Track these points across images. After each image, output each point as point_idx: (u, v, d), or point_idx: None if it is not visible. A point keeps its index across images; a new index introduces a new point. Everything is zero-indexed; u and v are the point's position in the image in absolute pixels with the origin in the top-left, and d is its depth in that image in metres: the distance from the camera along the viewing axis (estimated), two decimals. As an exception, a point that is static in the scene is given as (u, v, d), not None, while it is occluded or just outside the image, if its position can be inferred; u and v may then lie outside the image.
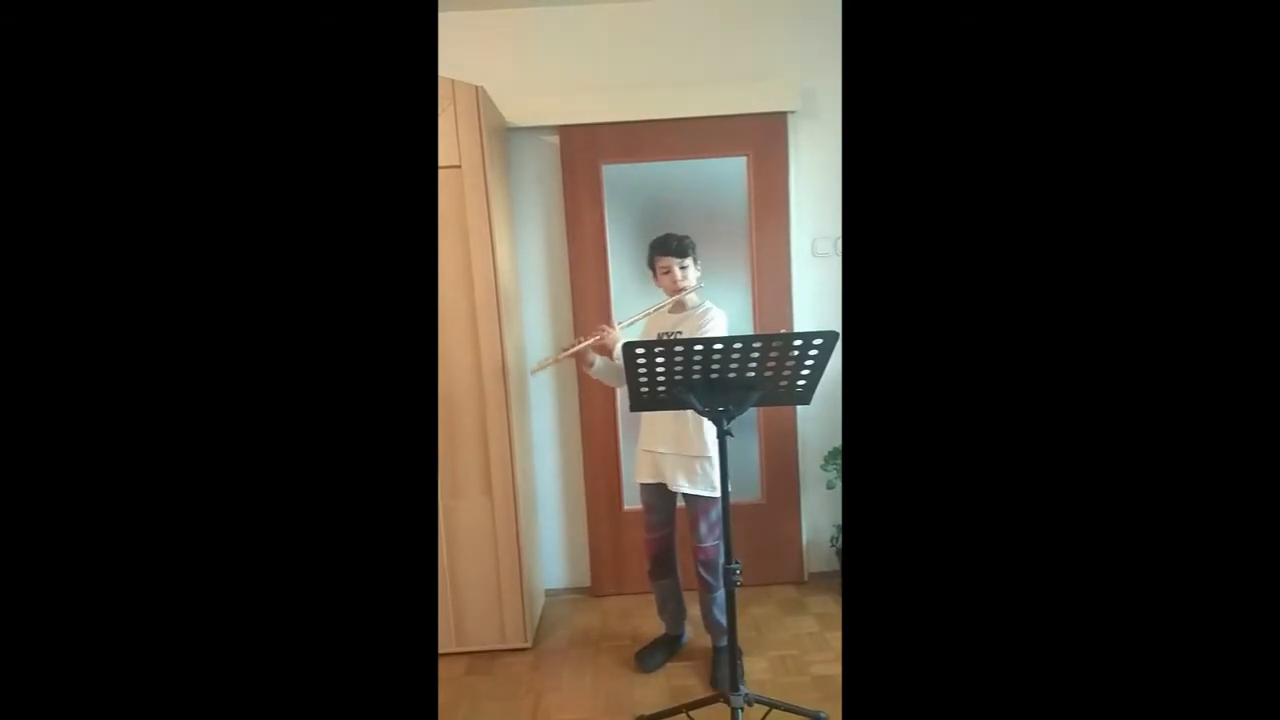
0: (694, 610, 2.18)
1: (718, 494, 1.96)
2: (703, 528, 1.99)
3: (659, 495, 2.07)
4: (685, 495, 2.01)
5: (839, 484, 2.51)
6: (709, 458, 1.96)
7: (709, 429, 1.95)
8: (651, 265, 2.03)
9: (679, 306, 2.02)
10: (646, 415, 2.02)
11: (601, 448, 2.64)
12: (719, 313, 1.99)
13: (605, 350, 2.01)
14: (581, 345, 1.95)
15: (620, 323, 1.99)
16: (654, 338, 1.95)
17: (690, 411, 1.91)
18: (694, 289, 2.00)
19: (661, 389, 1.56)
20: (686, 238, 1.99)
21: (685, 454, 1.97)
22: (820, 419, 2.58)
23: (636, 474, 2.11)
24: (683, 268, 1.97)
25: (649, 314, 2.03)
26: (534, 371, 2.11)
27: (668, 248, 1.97)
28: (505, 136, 2.48)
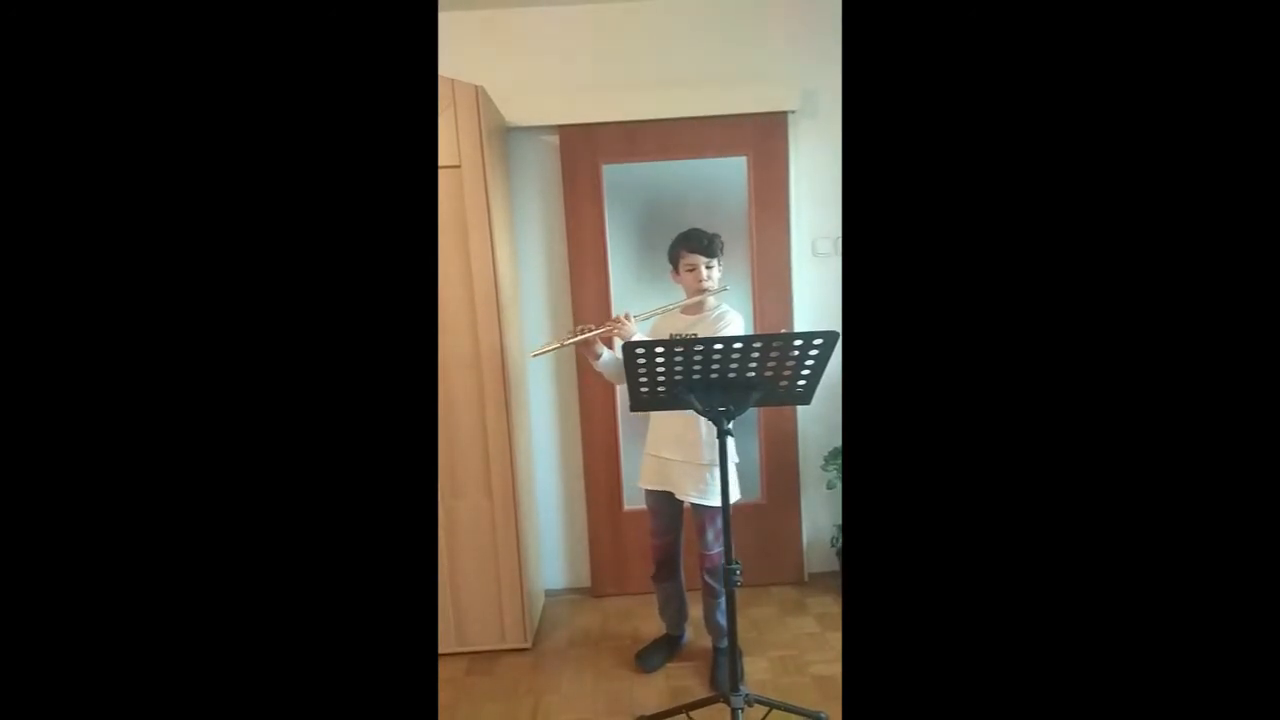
0: (695, 611, 2.18)
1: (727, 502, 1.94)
2: (709, 534, 1.97)
3: (665, 502, 2.04)
4: (693, 504, 1.98)
5: (839, 484, 2.51)
6: (717, 465, 1.93)
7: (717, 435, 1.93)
8: (674, 260, 1.95)
9: (695, 308, 1.95)
10: (654, 418, 1.98)
11: (602, 448, 2.64)
12: (736, 316, 1.93)
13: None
14: (591, 334, 1.85)
15: (635, 316, 1.87)
16: (666, 337, 1.90)
17: (699, 417, 1.88)
18: (718, 291, 1.94)
19: (661, 389, 1.56)
20: (718, 236, 1.93)
21: (693, 461, 1.93)
22: (820, 419, 2.58)
23: (641, 479, 2.08)
24: (708, 267, 1.91)
25: (666, 310, 1.96)
26: (535, 355, 2.00)
27: (699, 245, 1.90)
28: (505, 136, 2.48)
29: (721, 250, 1.94)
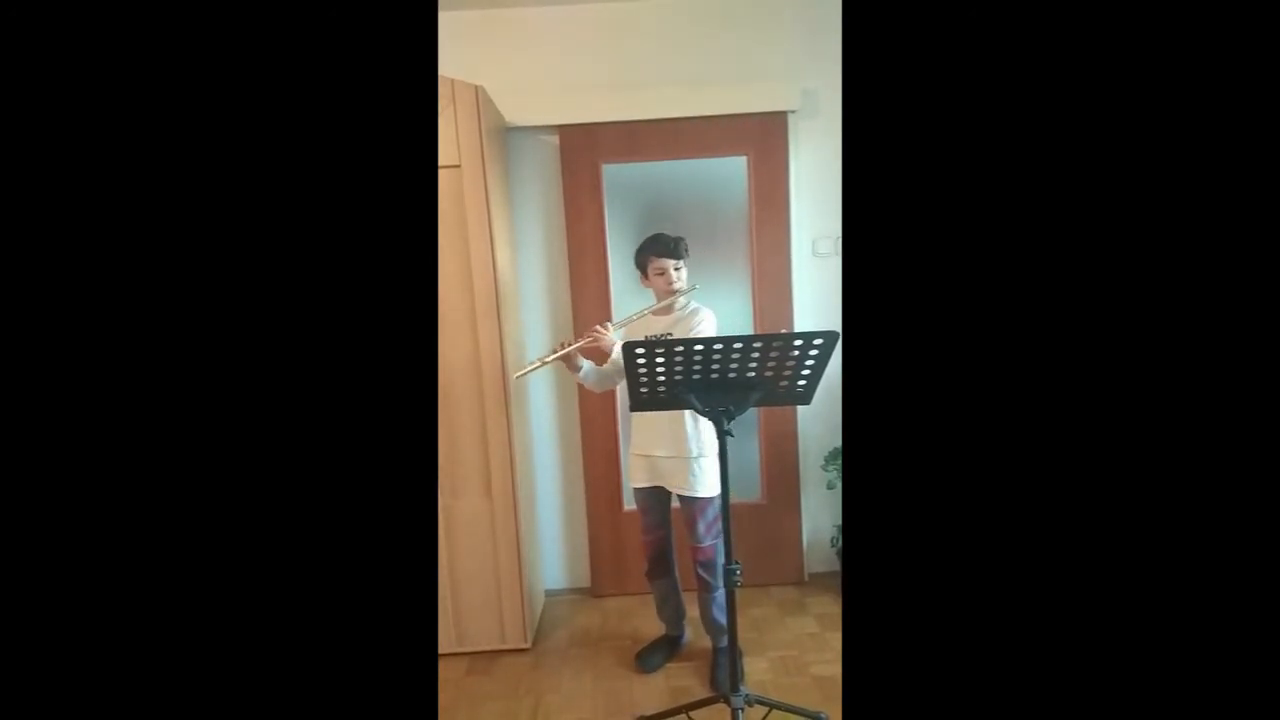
0: (694, 611, 2.18)
1: (713, 493, 1.96)
2: (700, 527, 1.99)
3: (654, 498, 2.07)
4: (681, 496, 2.00)
5: (839, 484, 2.51)
6: (704, 456, 1.96)
7: (703, 428, 1.95)
8: (642, 265, 2.00)
9: (667, 309, 2.00)
10: (638, 418, 2.00)
11: (601, 447, 2.64)
12: (708, 313, 1.98)
13: (601, 353, 1.97)
14: (571, 348, 1.92)
15: (612, 324, 1.95)
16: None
17: (684, 412, 1.90)
18: (689, 291, 1.98)
19: (662, 389, 1.56)
20: (682, 239, 1.97)
21: (683, 455, 1.96)
22: (820, 419, 2.58)
23: (631, 478, 2.11)
24: (677, 269, 1.95)
25: (641, 314, 2.00)
26: (518, 377, 2.07)
27: (666, 248, 1.95)
28: (505, 136, 2.48)
29: (687, 252, 1.98)
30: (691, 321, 1.95)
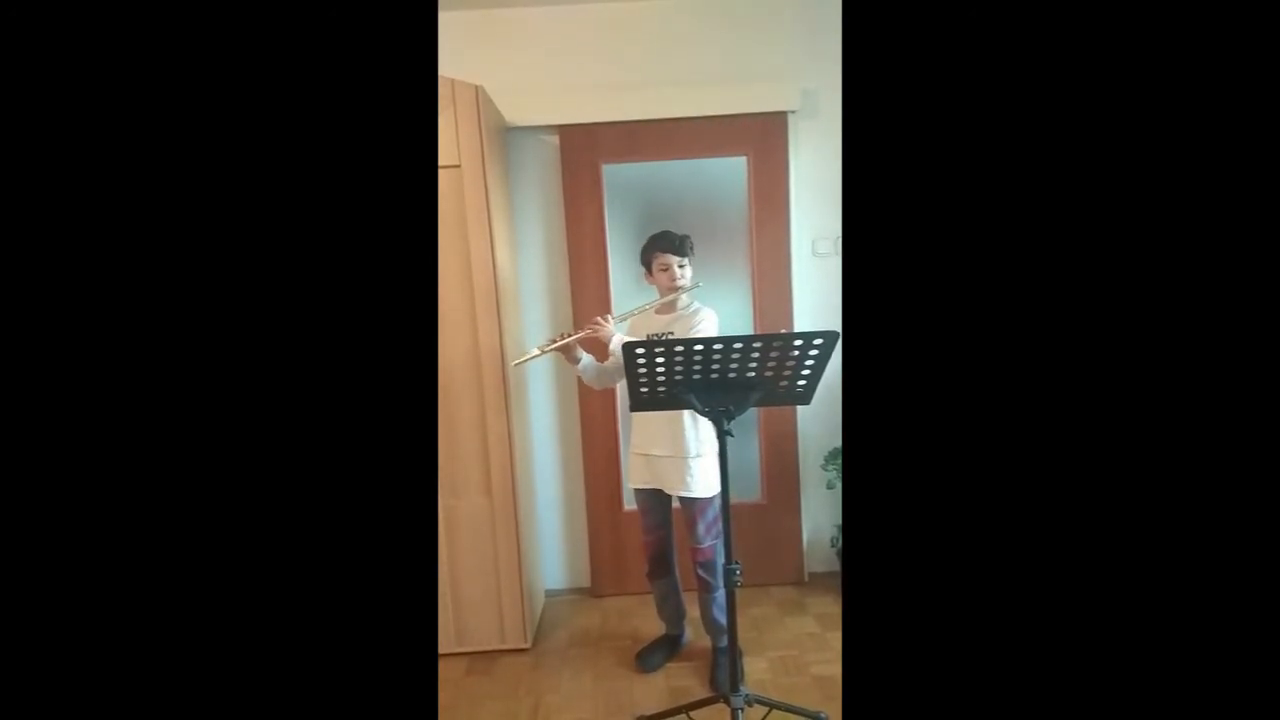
0: (694, 610, 2.18)
1: (711, 493, 1.96)
2: (700, 528, 1.99)
3: (654, 498, 2.07)
4: (680, 497, 2.00)
5: (839, 484, 2.51)
6: (701, 456, 1.96)
7: (702, 428, 1.95)
8: (647, 262, 2.00)
9: (668, 307, 2.00)
10: (637, 417, 2.00)
11: (602, 447, 2.64)
12: (709, 312, 1.98)
13: (599, 345, 1.96)
14: (570, 339, 1.91)
15: (612, 318, 1.95)
16: (644, 337, 1.93)
17: (683, 411, 1.90)
18: (691, 288, 1.99)
19: (661, 389, 1.56)
20: (687, 237, 1.98)
21: (680, 455, 1.96)
22: (820, 419, 2.58)
23: (630, 479, 2.11)
24: (681, 266, 1.96)
25: (643, 310, 2.01)
26: (516, 364, 2.07)
27: (671, 245, 1.95)
28: (505, 136, 2.48)
29: (692, 250, 1.99)
30: (692, 320, 1.96)
